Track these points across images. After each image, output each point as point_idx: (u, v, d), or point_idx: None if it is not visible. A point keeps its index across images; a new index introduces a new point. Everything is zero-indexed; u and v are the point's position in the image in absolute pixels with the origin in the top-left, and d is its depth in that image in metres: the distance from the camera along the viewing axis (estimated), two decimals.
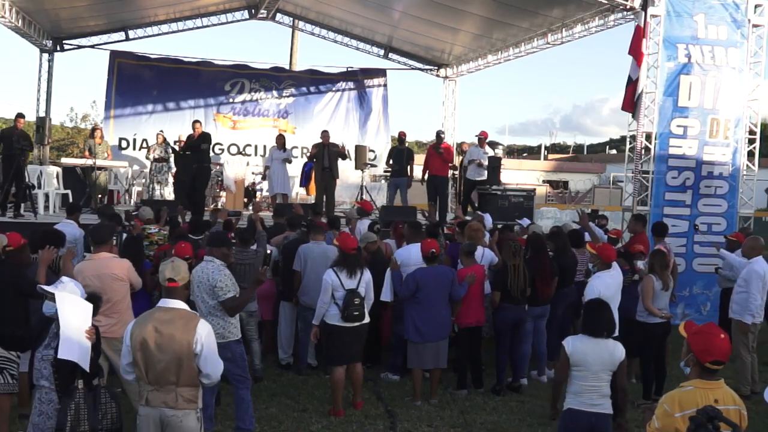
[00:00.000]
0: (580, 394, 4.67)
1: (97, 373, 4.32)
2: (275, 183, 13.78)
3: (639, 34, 10.47)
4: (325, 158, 12.86)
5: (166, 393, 4.03)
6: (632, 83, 10.51)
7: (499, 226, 10.20)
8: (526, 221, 9.82)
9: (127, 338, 4.09)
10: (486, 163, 13.09)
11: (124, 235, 7.61)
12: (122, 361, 4.18)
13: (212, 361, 4.09)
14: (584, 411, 4.64)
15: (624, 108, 10.89)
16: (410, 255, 7.37)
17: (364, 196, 14.55)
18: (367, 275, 6.62)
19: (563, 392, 4.88)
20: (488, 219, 10.00)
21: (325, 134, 13.39)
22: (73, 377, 4.19)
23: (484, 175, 13.19)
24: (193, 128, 12.30)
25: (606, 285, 6.18)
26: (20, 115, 11.43)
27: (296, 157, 15.99)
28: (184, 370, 4.01)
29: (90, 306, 4.39)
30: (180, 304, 4.17)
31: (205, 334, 4.06)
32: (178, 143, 14.69)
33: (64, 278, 4.55)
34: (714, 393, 3.19)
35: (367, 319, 6.59)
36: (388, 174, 14.02)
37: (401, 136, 13.64)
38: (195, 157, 12.10)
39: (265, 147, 18.01)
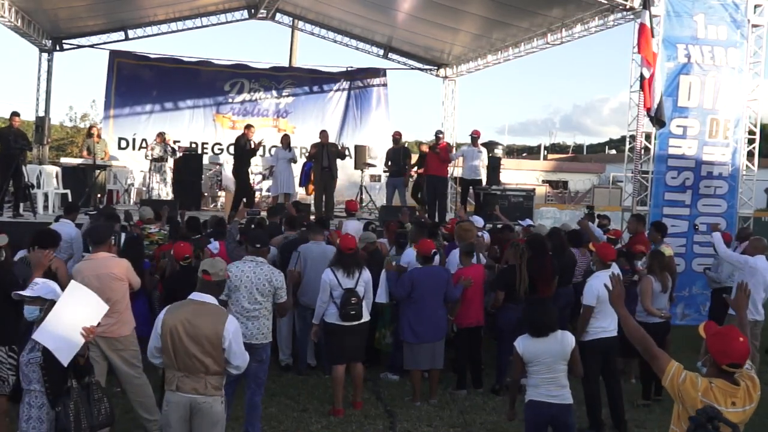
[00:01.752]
0: (538, 386, 4.87)
1: (89, 371, 4.30)
2: (280, 183, 13.77)
3: (645, 33, 10.37)
4: (324, 158, 12.84)
5: (196, 381, 4.23)
6: (646, 81, 10.40)
7: (499, 226, 10.21)
8: (527, 222, 9.81)
9: (158, 325, 4.28)
10: (483, 162, 13.10)
11: (123, 235, 7.58)
12: (150, 345, 4.35)
13: (240, 354, 4.31)
14: (545, 402, 4.84)
15: (646, 107, 10.75)
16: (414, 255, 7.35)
17: (363, 196, 14.56)
18: (366, 275, 6.63)
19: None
20: (479, 220, 9.99)
21: (323, 134, 13.37)
22: (65, 377, 4.16)
23: (480, 175, 13.20)
24: (249, 131, 12.79)
25: (605, 285, 6.16)
26: (15, 114, 11.33)
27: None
28: (213, 361, 4.22)
29: (104, 308, 4.37)
30: (211, 299, 4.37)
31: (232, 330, 4.26)
32: (176, 143, 14.83)
33: (38, 279, 4.52)
34: (733, 397, 3.21)
35: (365, 318, 6.61)
36: (386, 174, 14.03)
37: (396, 137, 13.62)
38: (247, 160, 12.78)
39: (264, 147, 18.00)
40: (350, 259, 6.57)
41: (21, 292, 4.36)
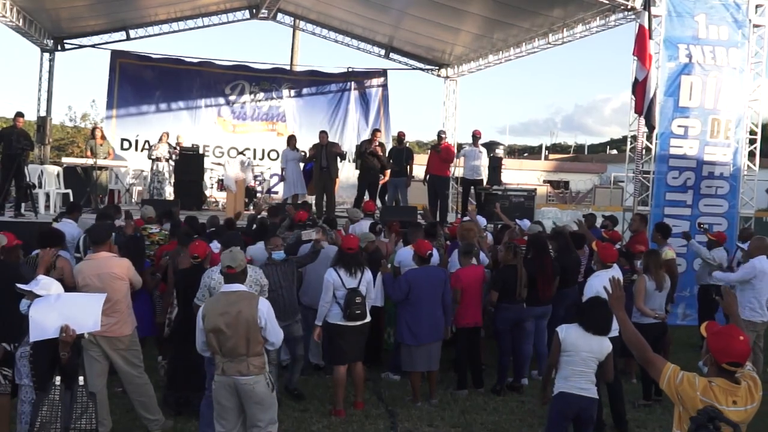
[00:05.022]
0: (569, 378, 4.94)
1: (75, 372, 4.30)
2: (290, 183, 13.76)
3: (643, 35, 10.39)
4: (323, 158, 12.87)
5: (239, 363, 4.60)
6: (639, 84, 10.42)
7: (499, 226, 10.20)
8: (526, 222, 9.79)
9: (200, 322, 4.70)
10: (484, 162, 13.11)
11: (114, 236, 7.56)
12: (198, 340, 4.80)
13: (274, 331, 4.72)
14: (574, 394, 4.92)
15: (637, 111, 10.77)
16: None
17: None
18: (368, 275, 6.64)
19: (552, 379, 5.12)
20: (481, 220, 10.00)
21: (322, 135, 13.41)
22: (51, 373, 4.18)
23: (481, 175, 13.20)
24: (375, 135, 13.48)
25: (605, 284, 6.14)
26: (19, 114, 11.41)
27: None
28: (252, 342, 4.60)
29: (94, 327, 4.43)
30: (239, 287, 4.77)
31: (266, 309, 4.67)
32: (177, 145, 14.86)
33: (40, 276, 4.54)
34: (734, 396, 3.20)
35: (368, 318, 6.62)
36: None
37: (400, 137, 13.63)
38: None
39: (264, 150, 18.13)
40: (352, 258, 6.57)
41: (20, 285, 4.40)
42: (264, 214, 9.71)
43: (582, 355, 4.92)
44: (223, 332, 4.56)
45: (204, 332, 4.66)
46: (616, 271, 6.40)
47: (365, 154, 13.12)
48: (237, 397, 4.68)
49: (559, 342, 4.97)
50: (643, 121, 10.93)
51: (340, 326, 6.47)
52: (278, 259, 6.57)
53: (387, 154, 13.76)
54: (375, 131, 14.07)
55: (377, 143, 13.25)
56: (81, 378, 4.35)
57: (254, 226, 8.96)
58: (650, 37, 10.40)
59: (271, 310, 4.73)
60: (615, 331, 6.20)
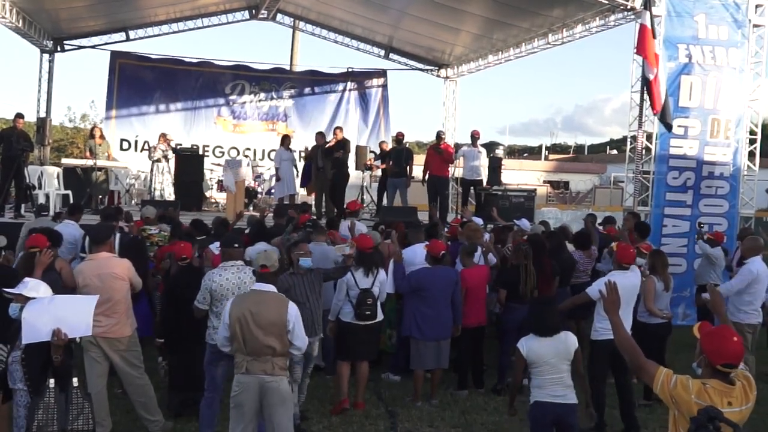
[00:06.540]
0: (543, 387, 4.85)
1: (69, 373, 4.29)
2: (284, 184, 13.77)
3: (645, 34, 10.36)
4: (319, 159, 12.90)
5: (264, 363, 4.61)
6: (652, 83, 10.37)
7: (500, 226, 10.19)
8: (524, 222, 9.78)
9: (225, 316, 4.67)
10: (483, 163, 13.11)
11: (118, 236, 7.55)
12: (220, 335, 4.80)
13: (301, 336, 4.73)
14: (550, 402, 4.82)
15: (654, 109, 10.67)
16: (416, 255, 7.39)
17: (364, 197, 14.57)
18: (382, 275, 6.71)
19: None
20: (478, 221, 10.00)
21: (319, 135, 13.44)
22: (44, 376, 4.18)
23: (481, 176, 13.21)
24: (334, 134, 13.44)
25: (599, 290, 6.10)
26: (19, 115, 11.42)
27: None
28: (279, 344, 4.61)
29: (86, 332, 4.42)
30: (271, 288, 4.78)
31: (294, 314, 4.68)
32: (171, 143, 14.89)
33: (27, 279, 4.53)
34: (728, 397, 3.17)
35: (379, 317, 6.68)
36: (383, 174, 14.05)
37: (399, 137, 13.62)
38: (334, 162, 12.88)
39: (264, 151, 18.13)
40: (369, 259, 6.63)
41: (6, 289, 4.38)
42: (267, 215, 9.71)
43: (551, 362, 4.83)
44: (249, 327, 4.54)
45: (229, 326, 4.60)
46: (632, 273, 6.35)
47: (326, 157, 12.98)
48: (259, 398, 4.62)
49: (523, 357, 4.86)
50: (644, 120, 10.92)
51: (351, 324, 6.55)
52: (305, 267, 5.96)
53: (387, 155, 13.76)
54: (335, 129, 14.02)
55: (334, 141, 13.13)
56: (75, 379, 4.34)
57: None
58: (654, 36, 10.36)
59: (299, 315, 4.73)
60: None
